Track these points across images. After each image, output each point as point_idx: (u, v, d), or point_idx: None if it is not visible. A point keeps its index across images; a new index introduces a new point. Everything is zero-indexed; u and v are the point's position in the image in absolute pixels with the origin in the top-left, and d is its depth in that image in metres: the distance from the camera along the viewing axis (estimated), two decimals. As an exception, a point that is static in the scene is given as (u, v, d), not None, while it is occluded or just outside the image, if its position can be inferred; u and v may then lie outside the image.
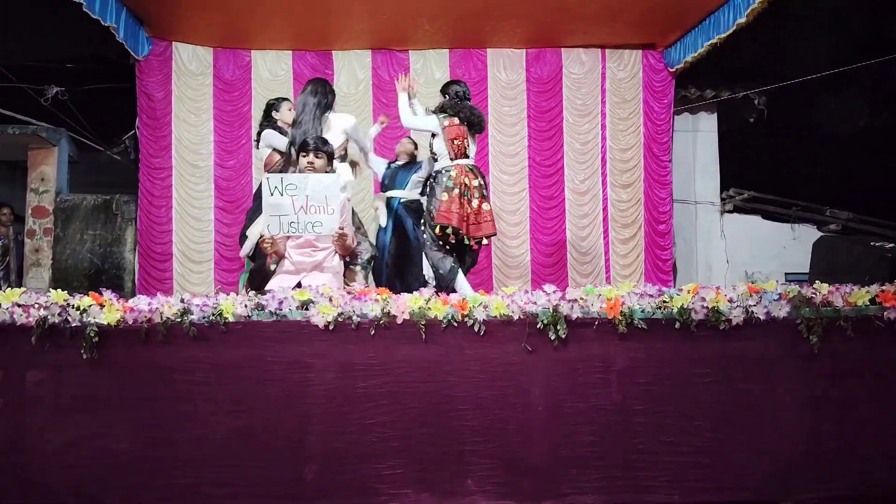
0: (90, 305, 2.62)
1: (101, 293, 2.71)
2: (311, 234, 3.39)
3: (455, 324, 2.63)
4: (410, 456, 2.60)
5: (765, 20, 5.83)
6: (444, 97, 4.80)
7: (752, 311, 2.68)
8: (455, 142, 4.61)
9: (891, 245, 5.87)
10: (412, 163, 5.45)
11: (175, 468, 2.57)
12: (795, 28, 8.82)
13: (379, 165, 5.53)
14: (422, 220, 4.74)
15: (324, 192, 3.28)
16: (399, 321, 2.62)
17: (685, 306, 2.67)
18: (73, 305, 2.62)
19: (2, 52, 7.00)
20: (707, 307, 2.67)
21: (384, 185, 5.42)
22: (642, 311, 2.67)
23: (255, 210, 4.45)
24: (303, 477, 2.57)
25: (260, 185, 3.83)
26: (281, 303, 2.66)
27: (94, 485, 2.57)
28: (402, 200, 5.26)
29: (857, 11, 9.10)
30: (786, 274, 7.11)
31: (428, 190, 4.71)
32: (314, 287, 2.79)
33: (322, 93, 4.39)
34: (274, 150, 4.83)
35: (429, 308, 2.64)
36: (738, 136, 8.44)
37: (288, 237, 3.47)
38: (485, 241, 4.70)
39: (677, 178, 7.22)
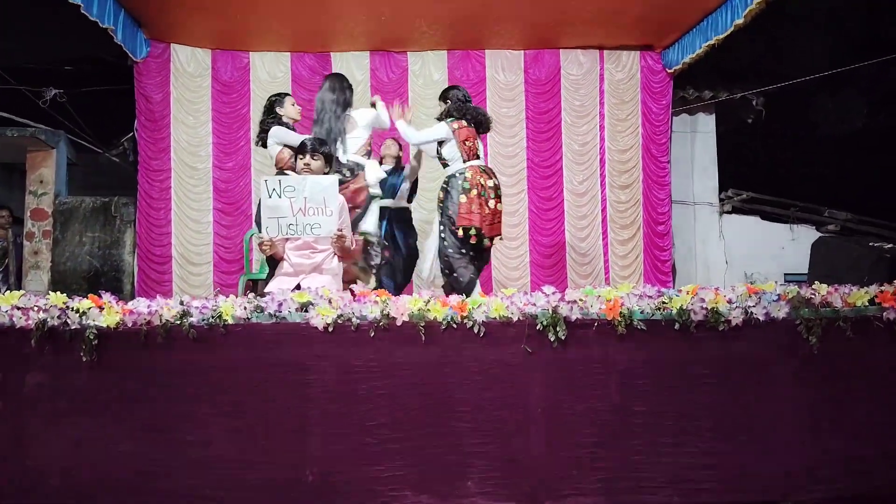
0: (89, 308, 2.63)
1: (100, 295, 2.71)
2: (309, 236, 3.39)
3: (454, 325, 2.64)
4: (410, 457, 2.60)
5: (762, 21, 5.82)
6: (446, 103, 4.82)
7: (752, 312, 2.69)
8: (467, 143, 4.65)
9: (889, 245, 5.89)
10: (398, 168, 5.42)
11: (175, 470, 2.57)
12: (793, 29, 8.82)
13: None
14: (440, 226, 4.67)
15: (322, 193, 3.29)
16: (398, 323, 2.62)
17: (684, 307, 2.68)
18: (73, 308, 2.62)
19: (0, 54, 6.99)
20: (706, 308, 2.68)
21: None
22: (641, 313, 2.68)
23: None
24: (303, 479, 2.57)
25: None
26: (280, 305, 2.66)
27: (93, 487, 2.56)
28: (391, 207, 5.22)
29: (854, 12, 9.11)
30: (785, 274, 7.11)
31: (442, 195, 4.68)
32: (313, 289, 2.80)
33: (340, 89, 4.39)
34: (286, 146, 4.77)
35: (428, 310, 2.64)
36: (736, 136, 8.44)
37: (287, 239, 3.47)
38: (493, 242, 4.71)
39: (676, 179, 7.21)
